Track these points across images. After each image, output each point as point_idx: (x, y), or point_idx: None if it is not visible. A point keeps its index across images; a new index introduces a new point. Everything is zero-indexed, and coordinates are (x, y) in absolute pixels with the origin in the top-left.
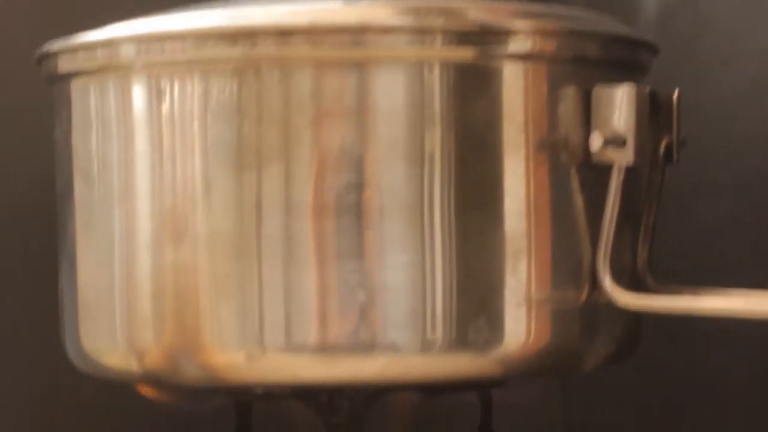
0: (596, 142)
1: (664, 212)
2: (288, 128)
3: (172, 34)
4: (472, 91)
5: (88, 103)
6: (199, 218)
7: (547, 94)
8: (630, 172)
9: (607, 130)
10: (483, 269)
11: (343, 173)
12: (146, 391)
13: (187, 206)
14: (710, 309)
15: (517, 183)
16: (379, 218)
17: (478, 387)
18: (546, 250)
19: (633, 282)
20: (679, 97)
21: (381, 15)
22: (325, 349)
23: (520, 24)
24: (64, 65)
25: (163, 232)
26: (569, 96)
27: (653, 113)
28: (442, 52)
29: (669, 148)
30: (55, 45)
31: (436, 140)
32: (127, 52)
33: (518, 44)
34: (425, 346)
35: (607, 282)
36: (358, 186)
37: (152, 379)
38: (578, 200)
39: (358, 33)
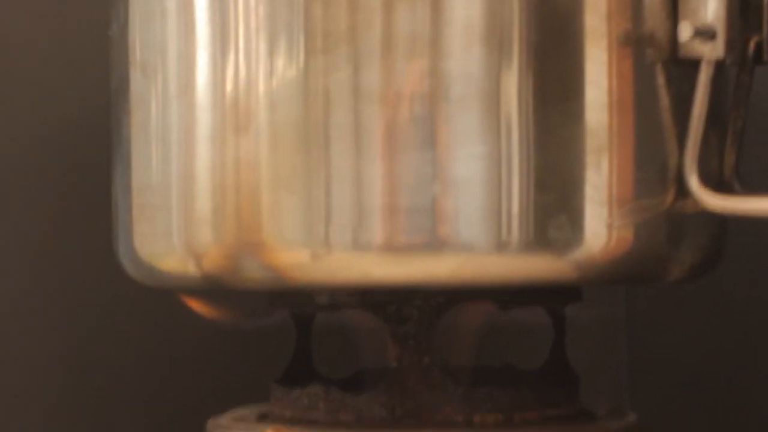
0: (685, 32)
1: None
2: (358, 9)
3: None
4: None
5: None
6: (263, 109)
7: None
8: (718, 70)
9: (696, 20)
10: (563, 164)
11: (415, 58)
12: (201, 307)
13: (251, 96)
14: None
15: (600, 74)
16: (453, 107)
17: (553, 298)
18: (629, 148)
19: (719, 187)
20: None
21: None
22: (394, 247)
23: None
24: None
25: (225, 125)
26: None
27: (742, 10)
28: None
29: (759, 48)
30: None
31: (515, 24)
32: None
33: None
34: (501, 246)
35: (694, 183)
36: (432, 72)
37: (211, 282)
38: (664, 97)
39: None
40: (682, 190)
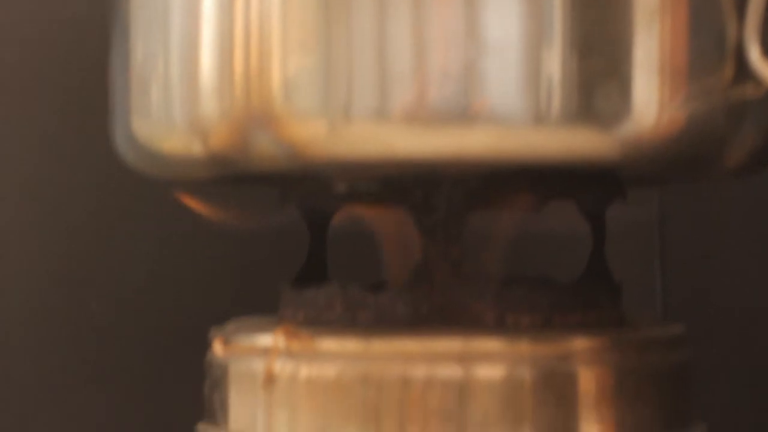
0: None
1: None
2: None
3: None
4: None
5: None
6: None
7: None
8: None
9: None
10: (611, 25)
11: None
12: (207, 208)
13: None
14: None
15: None
16: None
17: (595, 193)
18: (684, 12)
19: None
20: None
21: None
22: (422, 116)
23: None
24: None
25: None
26: None
27: None
28: None
29: None
30: None
31: None
32: None
33: None
34: (539, 117)
35: (755, 55)
36: None
37: (218, 164)
38: None
39: None
40: (742, 66)
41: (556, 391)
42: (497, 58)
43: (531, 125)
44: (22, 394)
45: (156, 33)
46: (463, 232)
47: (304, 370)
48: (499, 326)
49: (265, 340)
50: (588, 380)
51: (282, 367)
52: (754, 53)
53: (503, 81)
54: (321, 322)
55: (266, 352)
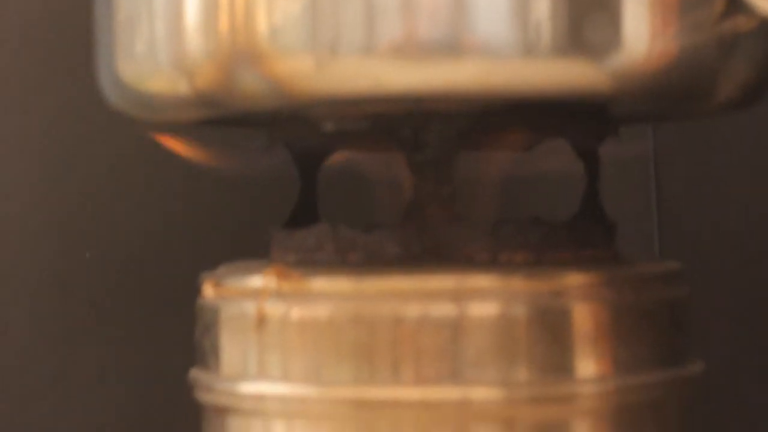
0: None
1: None
2: None
3: None
4: None
5: None
6: None
7: None
8: None
9: None
10: None
11: None
12: (195, 152)
13: None
14: None
15: None
16: None
17: (587, 129)
18: None
19: None
20: None
21: None
22: (410, 50)
23: None
24: None
25: None
26: None
27: None
28: None
29: None
30: None
31: None
32: None
33: None
34: (529, 49)
35: None
36: None
37: (205, 103)
38: None
39: None
40: None
41: (550, 328)
42: None
43: (520, 57)
44: (17, 344)
45: None
46: (454, 170)
47: (296, 311)
48: (493, 265)
49: (256, 281)
50: (583, 317)
51: (273, 308)
52: None
53: (492, 12)
54: (312, 263)
55: (257, 293)
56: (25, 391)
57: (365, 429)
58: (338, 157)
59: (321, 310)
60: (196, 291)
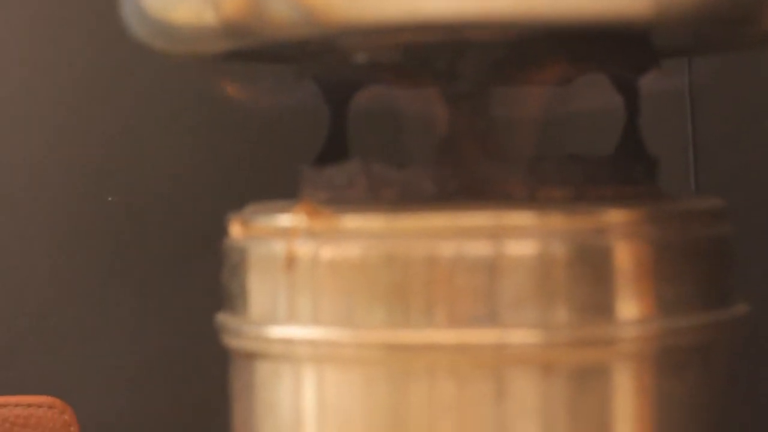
0: None
1: None
2: None
3: None
4: None
5: None
6: None
7: None
8: None
9: None
10: None
11: None
12: (223, 87)
13: None
14: None
15: None
16: None
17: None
18: None
19: None
20: None
21: None
22: None
23: None
24: None
25: None
26: None
27: None
28: None
29: None
30: None
31: None
32: None
33: None
34: None
35: None
36: None
37: (233, 33)
38: None
39: None
40: None
41: (590, 267)
42: None
43: None
44: (40, 289)
45: None
46: (489, 104)
47: (327, 251)
48: (532, 201)
49: (286, 220)
50: (624, 255)
51: (303, 248)
52: None
53: None
54: (343, 201)
55: (287, 232)
56: (50, 339)
57: (398, 373)
58: (370, 92)
59: (352, 250)
60: (223, 233)
